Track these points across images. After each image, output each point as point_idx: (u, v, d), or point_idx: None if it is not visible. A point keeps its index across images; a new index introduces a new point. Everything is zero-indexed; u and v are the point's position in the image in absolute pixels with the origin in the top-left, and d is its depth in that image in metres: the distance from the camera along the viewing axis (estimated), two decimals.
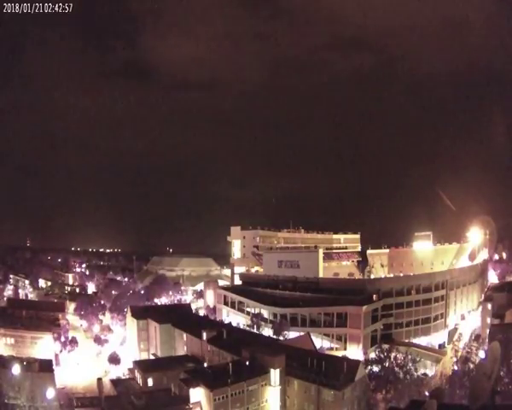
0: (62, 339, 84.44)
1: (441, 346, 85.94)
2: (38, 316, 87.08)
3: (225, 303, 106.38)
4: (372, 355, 67.26)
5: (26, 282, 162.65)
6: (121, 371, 74.84)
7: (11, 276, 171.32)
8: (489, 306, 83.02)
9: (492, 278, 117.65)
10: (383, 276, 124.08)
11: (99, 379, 53.45)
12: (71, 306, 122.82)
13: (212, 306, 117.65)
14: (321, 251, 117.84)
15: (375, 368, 61.20)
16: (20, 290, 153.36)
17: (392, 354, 62.87)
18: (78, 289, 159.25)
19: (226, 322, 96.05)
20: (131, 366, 68.62)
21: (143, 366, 64.83)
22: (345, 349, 76.09)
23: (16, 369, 51.25)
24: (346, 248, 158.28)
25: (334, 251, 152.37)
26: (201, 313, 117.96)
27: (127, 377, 68.63)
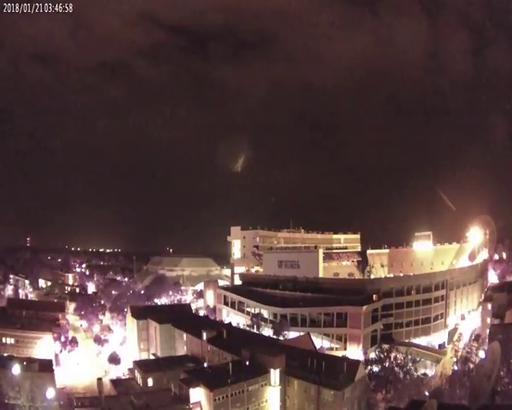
0: (62, 339, 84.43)
1: (441, 346, 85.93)
2: (38, 316, 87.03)
3: (225, 303, 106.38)
4: (372, 355, 67.34)
5: (26, 282, 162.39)
6: (121, 371, 74.87)
7: (11, 276, 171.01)
8: (489, 306, 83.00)
9: (492, 278, 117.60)
10: (383, 276, 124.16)
11: (99, 379, 53.29)
12: (71, 306, 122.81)
13: (212, 306, 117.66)
14: (321, 251, 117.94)
15: (375, 368, 61.25)
16: (20, 290, 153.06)
17: (392, 354, 62.91)
18: (78, 289, 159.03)
19: (226, 322, 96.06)
20: (131, 366, 68.54)
21: (143, 366, 64.75)
22: (345, 349, 76.11)
23: (16, 369, 51.22)
24: (346, 248, 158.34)
25: (334, 251, 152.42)
26: (201, 313, 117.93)
27: (127, 377, 68.59)
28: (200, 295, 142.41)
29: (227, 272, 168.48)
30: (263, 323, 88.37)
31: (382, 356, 63.03)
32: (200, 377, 50.02)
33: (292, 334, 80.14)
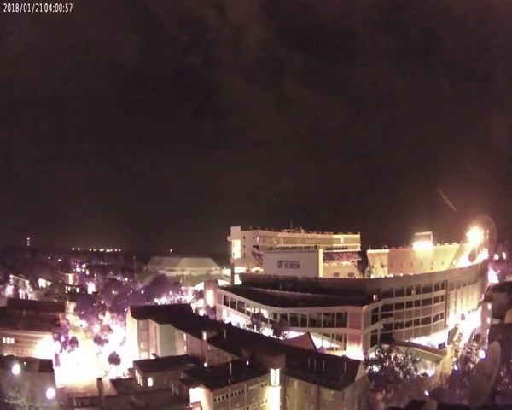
0: (62, 339, 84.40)
1: (441, 346, 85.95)
2: (38, 316, 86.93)
3: (225, 303, 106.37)
4: (372, 355, 67.30)
5: (26, 282, 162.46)
6: (121, 371, 74.86)
7: (11, 276, 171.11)
8: (489, 306, 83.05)
9: (492, 278, 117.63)
10: (383, 276, 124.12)
11: (99, 379, 53.29)
12: (71, 306, 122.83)
13: (212, 306, 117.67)
14: (321, 251, 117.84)
15: (375, 368, 61.20)
16: (20, 290, 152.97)
17: (392, 354, 62.85)
18: (78, 289, 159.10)
19: (226, 322, 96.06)
20: (131, 366, 68.56)
21: (143, 366, 64.75)
22: (345, 349, 76.11)
23: (16, 369, 51.20)
24: (346, 248, 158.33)
25: (334, 251, 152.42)
26: (201, 313, 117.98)
27: (127, 377, 68.61)
28: (200, 295, 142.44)
29: (227, 272, 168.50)
30: (263, 323, 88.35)
31: (382, 356, 62.98)
32: (200, 377, 50.02)
33: (292, 334, 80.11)
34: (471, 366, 58.90)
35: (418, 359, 64.89)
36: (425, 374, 66.40)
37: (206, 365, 62.92)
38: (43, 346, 76.05)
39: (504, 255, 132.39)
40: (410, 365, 60.69)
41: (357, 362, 54.06)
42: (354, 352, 73.47)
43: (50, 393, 51.64)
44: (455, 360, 68.54)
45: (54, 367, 60.54)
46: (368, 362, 62.57)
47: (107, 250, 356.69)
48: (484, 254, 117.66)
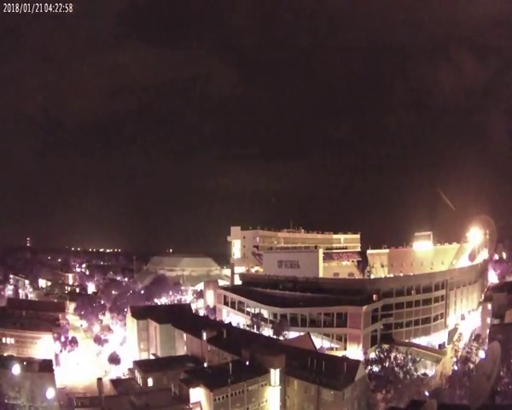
0: (62, 339, 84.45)
1: (441, 346, 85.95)
2: (38, 316, 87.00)
3: (225, 303, 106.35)
4: (372, 355, 67.31)
5: (26, 282, 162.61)
6: (121, 371, 74.88)
7: (11, 276, 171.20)
8: (489, 306, 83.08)
9: (492, 278, 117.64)
10: (383, 276, 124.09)
11: (99, 379, 53.26)
12: (71, 306, 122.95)
13: (212, 306, 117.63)
14: (321, 251, 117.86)
15: (375, 368, 61.21)
16: (20, 290, 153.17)
17: (392, 354, 62.86)
18: (78, 289, 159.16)
19: (226, 322, 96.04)
20: (131, 366, 68.58)
21: (143, 366, 64.75)
22: (345, 349, 76.10)
23: (16, 369, 51.31)
24: (346, 248, 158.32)
25: (334, 251, 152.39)
26: (201, 313, 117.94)
27: (127, 377, 68.62)
28: (200, 295, 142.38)
29: (227, 272, 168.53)
30: (263, 323, 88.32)
31: (382, 356, 62.98)
32: (200, 377, 50.04)
33: (292, 334, 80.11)
34: (471, 366, 58.94)
35: (418, 359, 64.85)
36: (425, 374, 66.39)
37: (206, 365, 62.97)
38: (43, 346, 76.12)
39: (504, 255, 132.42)
40: (410, 365, 60.68)
41: (357, 362, 54.10)
42: (354, 352, 73.46)
43: (50, 393, 51.76)
44: (455, 360, 68.50)
45: (54, 367, 60.67)
46: (368, 362, 62.57)
47: (107, 250, 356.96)
48: (484, 254, 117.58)
